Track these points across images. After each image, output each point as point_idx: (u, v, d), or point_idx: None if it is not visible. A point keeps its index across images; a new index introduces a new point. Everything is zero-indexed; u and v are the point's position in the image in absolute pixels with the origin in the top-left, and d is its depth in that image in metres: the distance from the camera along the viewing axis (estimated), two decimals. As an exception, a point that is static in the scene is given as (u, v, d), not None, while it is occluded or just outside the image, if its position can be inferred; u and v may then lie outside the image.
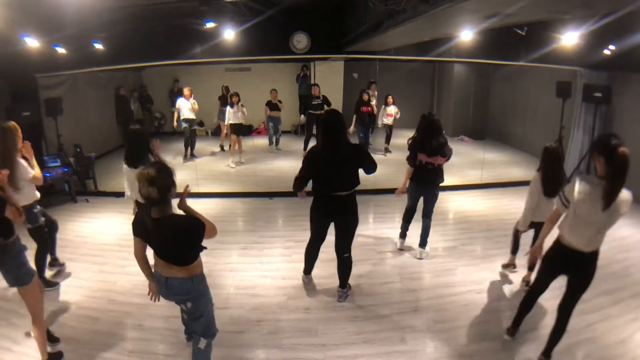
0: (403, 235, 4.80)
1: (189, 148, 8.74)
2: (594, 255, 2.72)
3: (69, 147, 7.02)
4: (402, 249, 4.73)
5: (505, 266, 4.34)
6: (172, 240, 2.44)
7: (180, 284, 2.53)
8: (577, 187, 2.59)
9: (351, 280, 4.02)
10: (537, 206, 3.78)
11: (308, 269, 4.05)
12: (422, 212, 4.53)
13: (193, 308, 2.62)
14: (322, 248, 3.91)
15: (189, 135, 8.62)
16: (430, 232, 4.60)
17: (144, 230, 2.47)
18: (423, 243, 4.64)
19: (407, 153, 4.34)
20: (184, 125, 8.50)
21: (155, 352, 3.17)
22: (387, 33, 5.29)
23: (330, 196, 3.48)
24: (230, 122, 8.12)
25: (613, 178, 2.46)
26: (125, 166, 3.64)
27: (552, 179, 3.69)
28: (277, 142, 9.47)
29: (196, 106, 8.44)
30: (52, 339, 3.17)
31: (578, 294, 2.83)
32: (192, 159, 8.69)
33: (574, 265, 2.77)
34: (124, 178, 3.73)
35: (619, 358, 3.08)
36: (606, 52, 6.10)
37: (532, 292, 3.14)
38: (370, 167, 3.48)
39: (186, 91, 8.44)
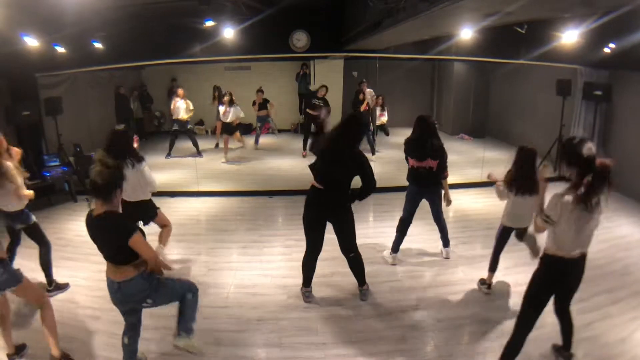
0: (396, 249, 4.49)
1: (182, 146, 8.87)
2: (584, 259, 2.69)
3: (68, 147, 7.02)
4: (394, 264, 4.49)
5: (482, 282, 3.99)
6: (108, 238, 2.49)
7: (135, 284, 2.52)
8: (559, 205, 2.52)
9: (351, 279, 4.01)
10: (513, 210, 3.67)
11: (307, 282, 3.86)
12: (433, 217, 4.48)
13: (155, 301, 2.62)
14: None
15: (176, 136, 8.75)
16: (429, 231, 4.59)
17: (88, 229, 2.52)
18: (446, 243, 4.60)
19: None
20: (175, 126, 8.66)
21: (156, 351, 3.18)
22: (387, 31, 5.29)
23: (321, 191, 3.48)
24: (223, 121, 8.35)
25: (594, 187, 2.41)
26: None
27: (524, 178, 3.51)
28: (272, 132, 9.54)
29: (191, 107, 8.60)
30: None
31: (571, 296, 2.82)
32: (199, 156, 8.75)
33: (569, 276, 2.70)
34: None
35: (619, 357, 3.08)
36: (606, 50, 6.09)
37: (523, 331, 2.78)
38: (368, 180, 3.42)
39: (180, 92, 8.54)
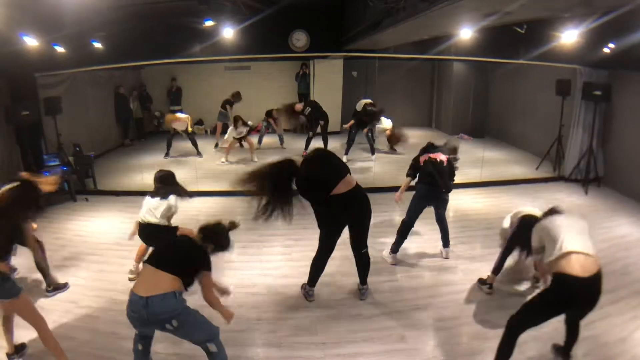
0: (396, 249, 4.49)
1: (171, 147, 8.84)
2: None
3: (68, 146, 7.01)
4: (394, 264, 4.50)
5: (482, 282, 4.00)
6: (183, 252, 2.65)
7: (163, 301, 2.43)
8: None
9: (351, 279, 4.02)
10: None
11: (314, 281, 3.82)
12: (436, 218, 4.50)
13: (180, 325, 2.49)
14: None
15: (172, 136, 8.73)
16: (429, 231, 4.59)
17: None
18: (447, 243, 4.61)
19: (409, 151, 4.34)
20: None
21: (156, 352, 3.17)
22: (387, 31, 5.29)
23: (345, 196, 3.44)
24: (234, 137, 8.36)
25: None
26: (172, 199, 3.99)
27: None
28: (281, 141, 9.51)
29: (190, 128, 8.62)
30: None
31: (584, 315, 2.77)
32: (198, 156, 8.77)
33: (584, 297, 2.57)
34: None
35: (619, 356, 3.08)
36: (606, 50, 6.09)
37: (516, 331, 2.72)
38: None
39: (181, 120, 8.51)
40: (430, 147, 4.39)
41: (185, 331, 2.57)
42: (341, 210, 3.50)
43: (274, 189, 3.30)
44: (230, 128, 8.30)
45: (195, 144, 8.76)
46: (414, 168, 4.37)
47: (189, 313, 2.58)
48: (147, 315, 2.43)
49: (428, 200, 4.34)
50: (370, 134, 8.63)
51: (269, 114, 9.06)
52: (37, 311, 2.93)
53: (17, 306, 2.83)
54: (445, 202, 4.40)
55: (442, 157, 4.25)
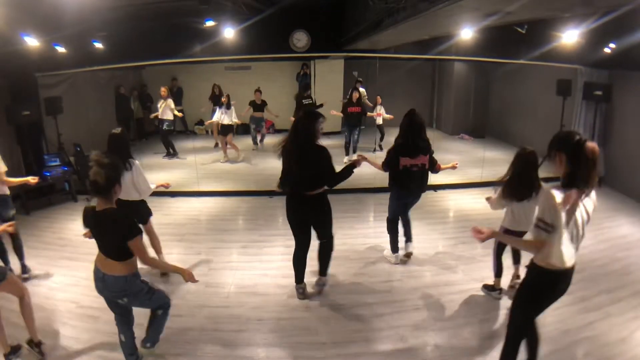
0: (395, 248, 4.45)
1: (170, 147, 8.87)
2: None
3: (69, 146, 7.02)
4: (397, 264, 4.46)
5: (489, 288, 3.90)
6: (107, 232, 2.60)
7: (115, 282, 2.62)
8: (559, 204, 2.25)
9: (351, 279, 4.02)
10: (511, 214, 3.70)
11: (300, 278, 3.88)
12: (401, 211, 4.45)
13: (129, 303, 2.77)
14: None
15: (164, 134, 8.75)
16: (429, 231, 4.59)
17: (88, 223, 2.69)
18: (409, 238, 4.55)
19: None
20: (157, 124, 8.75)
21: (156, 351, 3.18)
22: (387, 31, 5.29)
23: (300, 196, 3.56)
24: (221, 123, 8.32)
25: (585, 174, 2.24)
26: None
27: (525, 184, 3.55)
28: (261, 140, 9.44)
29: (172, 106, 8.57)
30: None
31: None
32: (172, 157, 8.77)
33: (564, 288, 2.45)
34: None
35: (619, 356, 3.08)
36: (606, 50, 6.09)
37: (517, 341, 2.61)
38: (329, 176, 3.51)
39: (163, 91, 8.53)
40: (416, 142, 4.06)
41: (135, 305, 2.83)
42: (297, 210, 3.64)
43: None
44: (217, 111, 8.36)
45: (169, 145, 8.82)
46: (391, 164, 4.08)
47: (139, 292, 2.70)
48: (103, 286, 2.66)
49: (405, 199, 4.32)
50: (357, 135, 8.38)
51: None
52: (21, 284, 3.15)
53: (7, 287, 2.97)
54: (418, 198, 4.37)
55: (422, 160, 4.07)
